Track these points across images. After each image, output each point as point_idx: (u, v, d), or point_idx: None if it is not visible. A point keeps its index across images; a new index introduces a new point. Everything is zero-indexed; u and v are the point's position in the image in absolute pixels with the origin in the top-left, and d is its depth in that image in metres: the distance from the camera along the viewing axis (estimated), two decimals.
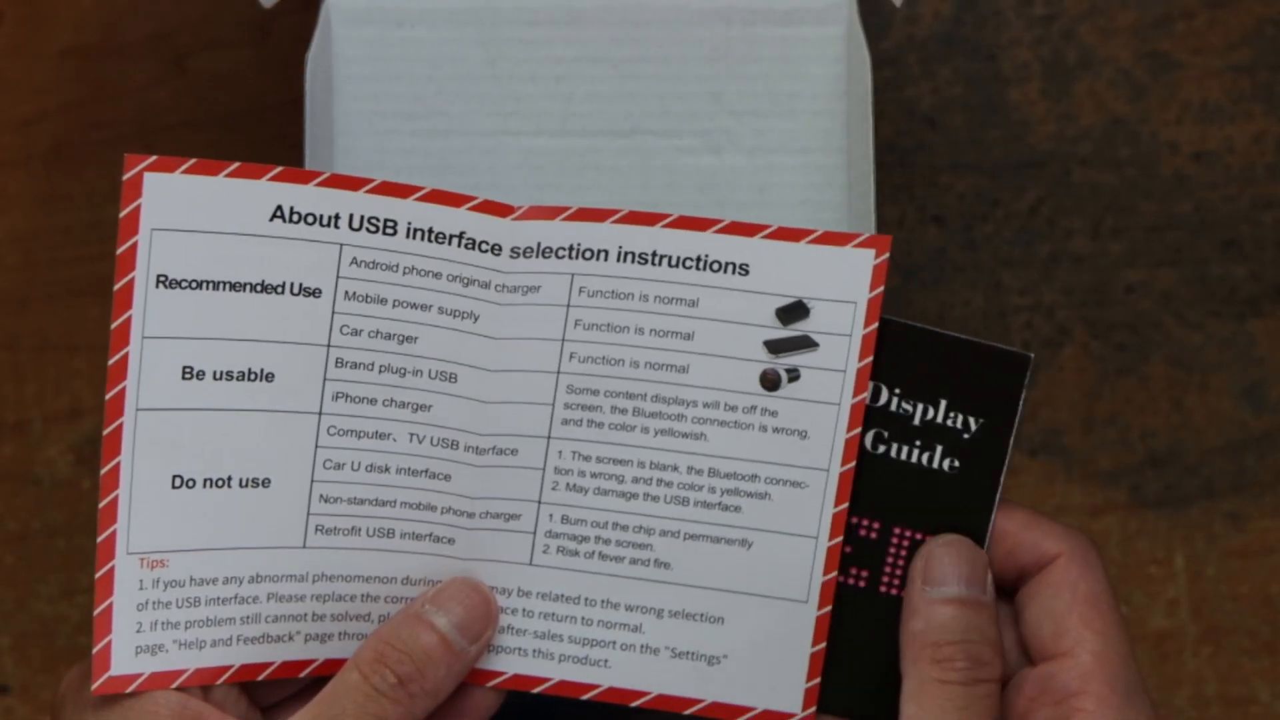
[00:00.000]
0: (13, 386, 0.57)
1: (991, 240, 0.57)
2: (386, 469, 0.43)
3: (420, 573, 0.44)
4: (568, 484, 0.44)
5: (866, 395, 0.43)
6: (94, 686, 0.41)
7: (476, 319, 0.43)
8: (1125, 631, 0.44)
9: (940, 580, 0.43)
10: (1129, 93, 0.57)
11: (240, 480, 0.42)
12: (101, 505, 0.42)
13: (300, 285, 0.42)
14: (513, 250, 0.43)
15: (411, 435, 0.43)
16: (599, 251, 0.43)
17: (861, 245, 0.43)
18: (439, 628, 0.43)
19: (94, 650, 0.41)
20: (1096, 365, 0.57)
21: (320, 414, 0.42)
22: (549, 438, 0.44)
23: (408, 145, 0.47)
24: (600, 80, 0.47)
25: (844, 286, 0.43)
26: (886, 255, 0.43)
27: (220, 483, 0.42)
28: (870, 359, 0.43)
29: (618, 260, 0.43)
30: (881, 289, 0.43)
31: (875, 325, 0.43)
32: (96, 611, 0.41)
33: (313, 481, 0.43)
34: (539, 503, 0.44)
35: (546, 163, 0.47)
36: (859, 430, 0.43)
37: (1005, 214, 0.57)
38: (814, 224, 0.47)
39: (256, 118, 0.57)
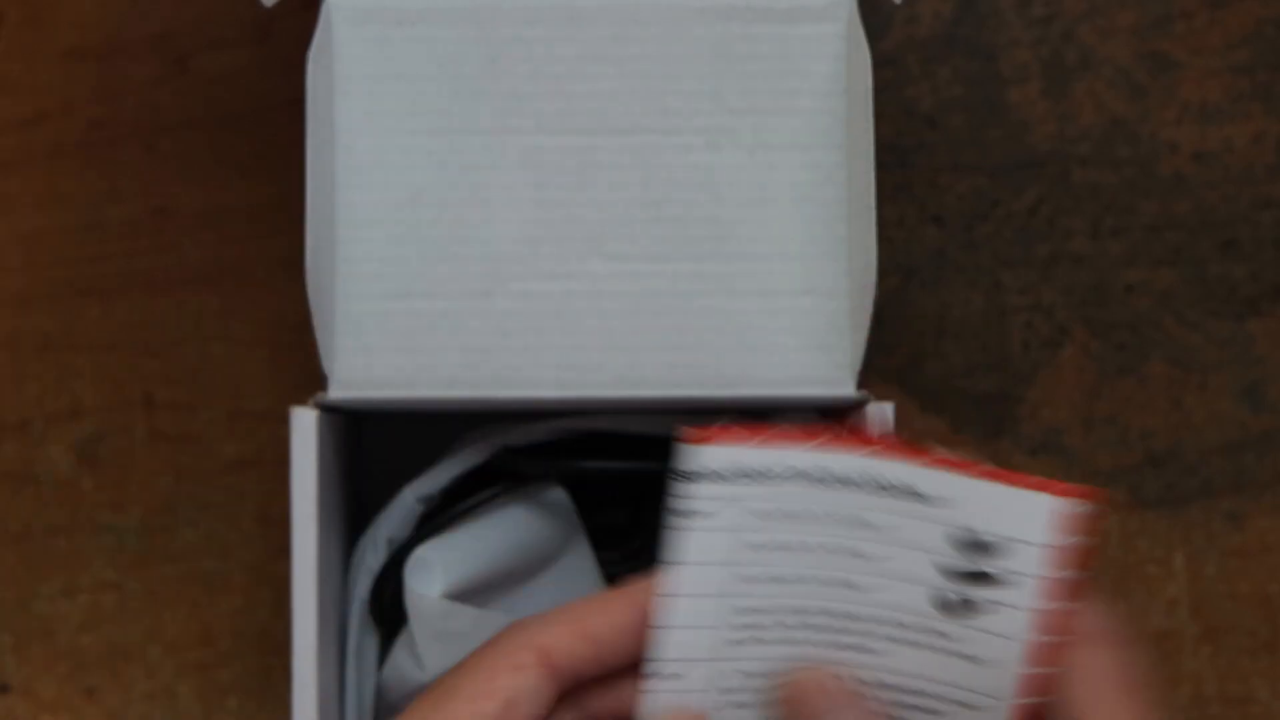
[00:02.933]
0: (13, 386, 0.57)
1: (991, 240, 0.57)
2: None
3: None
4: (730, 702, 0.42)
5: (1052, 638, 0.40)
6: None
7: None
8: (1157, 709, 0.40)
9: None
10: (1129, 93, 0.57)
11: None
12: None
13: None
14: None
15: None
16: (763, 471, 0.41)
17: (1054, 492, 0.40)
18: None
19: None
20: (1096, 365, 0.57)
21: None
22: (713, 660, 0.42)
23: (409, 144, 0.47)
24: (601, 78, 0.47)
25: (1029, 528, 0.40)
26: (1083, 507, 0.40)
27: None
28: (1060, 604, 0.40)
29: (785, 478, 0.41)
30: (1077, 539, 0.40)
31: (1067, 573, 0.40)
32: None
33: None
34: None
35: (547, 161, 0.47)
36: (1040, 670, 0.40)
37: (1005, 214, 0.57)
38: (815, 222, 0.47)
39: (258, 117, 0.57)
